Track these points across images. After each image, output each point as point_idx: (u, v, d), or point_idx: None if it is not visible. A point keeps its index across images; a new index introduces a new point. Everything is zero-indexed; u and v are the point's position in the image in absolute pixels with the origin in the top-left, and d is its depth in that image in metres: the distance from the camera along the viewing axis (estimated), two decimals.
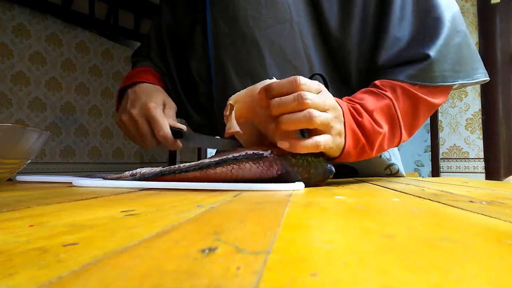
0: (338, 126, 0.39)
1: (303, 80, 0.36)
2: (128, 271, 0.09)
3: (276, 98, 0.36)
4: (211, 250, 0.11)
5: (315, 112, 0.35)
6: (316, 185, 0.38)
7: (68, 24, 2.58)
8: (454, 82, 0.49)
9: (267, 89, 0.36)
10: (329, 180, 0.48)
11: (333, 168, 0.38)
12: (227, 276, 0.08)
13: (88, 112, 2.76)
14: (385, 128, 0.45)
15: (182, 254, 0.10)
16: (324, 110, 0.37)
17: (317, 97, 0.36)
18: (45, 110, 2.49)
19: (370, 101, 0.45)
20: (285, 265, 0.09)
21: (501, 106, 1.76)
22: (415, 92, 0.47)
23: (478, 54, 0.53)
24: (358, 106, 0.43)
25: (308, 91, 0.36)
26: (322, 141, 0.36)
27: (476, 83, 0.52)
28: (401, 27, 0.50)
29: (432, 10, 0.50)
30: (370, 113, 0.43)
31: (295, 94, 0.35)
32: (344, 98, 0.45)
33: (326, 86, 0.58)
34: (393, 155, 0.64)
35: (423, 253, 0.11)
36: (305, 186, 0.35)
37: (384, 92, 0.46)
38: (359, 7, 0.53)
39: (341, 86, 0.57)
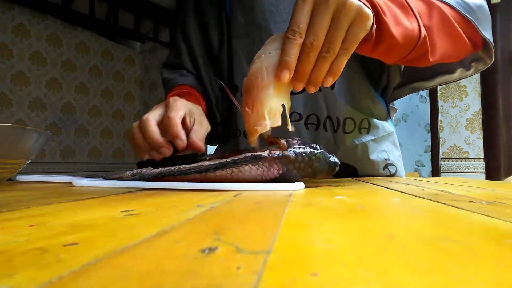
0: (356, 5, 0.34)
1: (293, 27, 0.34)
2: (128, 271, 0.09)
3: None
4: (211, 250, 0.11)
5: (326, 53, 0.34)
6: (322, 179, 0.37)
7: (68, 24, 2.58)
8: (478, 27, 0.47)
9: (282, 66, 0.35)
10: (329, 180, 0.48)
11: (337, 159, 0.37)
12: (227, 276, 0.08)
13: (88, 112, 2.76)
14: (392, 5, 0.41)
15: (182, 254, 0.10)
16: (329, 25, 0.34)
17: (317, 29, 0.34)
18: (45, 110, 2.49)
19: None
20: (285, 265, 0.09)
21: (501, 106, 1.76)
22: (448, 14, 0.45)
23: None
24: None
25: (310, 38, 0.34)
26: (348, 46, 0.34)
27: (474, 70, 0.53)
28: None
29: None
30: None
31: (304, 49, 0.34)
32: None
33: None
34: (393, 156, 0.64)
35: (423, 253, 0.11)
36: (313, 178, 0.35)
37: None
38: None
39: (352, 75, 0.58)
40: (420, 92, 2.19)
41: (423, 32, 0.42)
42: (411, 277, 0.08)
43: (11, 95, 2.31)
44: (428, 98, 2.13)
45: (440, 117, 1.96)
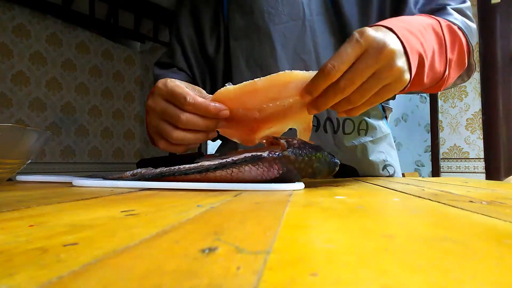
0: (399, 70, 0.35)
1: (332, 64, 0.33)
2: (128, 271, 0.09)
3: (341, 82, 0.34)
4: (211, 250, 0.11)
5: (355, 98, 0.35)
6: (322, 179, 0.37)
7: (68, 24, 2.59)
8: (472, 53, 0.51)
9: (308, 90, 0.36)
10: (329, 180, 0.48)
11: (337, 160, 0.37)
12: (227, 276, 0.08)
13: (88, 112, 2.76)
14: (434, 42, 0.43)
15: (182, 254, 0.10)
16: (368, 76, 0.34)
17: (355, 74, 0.34)
18: (45, 110, 2.49)
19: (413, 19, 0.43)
20: (285, 265, 0.09)
21: (501, 106, 1.76)
22: (456, 30, 0.47)
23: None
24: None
25: (347, 79, 0.34)
26: (378, 100, 0.37)
27: (460, 82, 0.57)
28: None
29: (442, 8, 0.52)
30: (420, 32, 0.40)
31: (338, 87, 0.34)
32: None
33: None
34: (390, 157, 0.65)
35: (423, 253, 0.11)
36: (313, 178, 0.36)
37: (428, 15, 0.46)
38: (376, 5, 0.56)
39: None
40: None
41: (447, 73, 0.45)
42: (411, 277, 0.08)
43: (11, 95, 2.31)
44: (428, 98, 2.13)
45: (440, 117, 1.96)
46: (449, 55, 0.46)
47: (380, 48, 0.34)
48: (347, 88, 0.34)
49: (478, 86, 1.84)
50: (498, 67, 1.76)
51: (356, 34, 0.34)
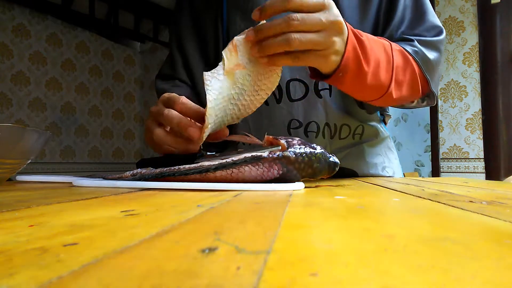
0: (334, 45, 0.40)
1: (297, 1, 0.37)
2: (128, 271, 0.09)
3: (264, 23, 0.38)
4: (211, 250, 0.11)
5: (294, 37, 0.36)
6: (322, 179, 0.38)
7: (68, 24, 2.58)
8: (430, 83, 0.55)
9: (257, 29, 0.38)
10: (329, 180, 0.48)
11: (337, 160, 0.37)
12: (227, 276, 0.08)
13: (88, 112, 2.76)
14: (381, 56, 0.47)
15: (182, 254, 0.10)
16: (317, 30, 0.38)
17: (308, 16, 0.37)
18: (45, 110, 2.49)
19: (369, 36, 0.47)
20: (285, 265, 0.09)
21: (501, 106, 1.76)
22: (408, 56, 0.51)
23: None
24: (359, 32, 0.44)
25: (299, 16, 0.37)
26: (305, 56, 0.39)
27: (422, 105, 0.61)
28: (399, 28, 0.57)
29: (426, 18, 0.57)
30: (369, 41, 0.45)
31: (285, 16, 0.37)
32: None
33: (330, 86, 0.59)
34: (388, 160, 0.65)
35: (423, 253, 0.11)
36: (313, 178, 0.36)
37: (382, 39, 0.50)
38: (374, 9, 0.58)
39: None
40: None
41: (391, 88, 0.49)
42: (411, 277, 0.08)
43: (11, 95, 2.31)
44: None
45: (440, 117, 1.96)
46: (399, 76, 0.49)
47: (336, 16, 0.38)
48: (297, 25, 0.37)
49: (478, 86, 1.84)
50: (498, 67, 1.76)
51: None
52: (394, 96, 0.50)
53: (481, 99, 1.83)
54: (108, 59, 2.90)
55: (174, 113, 0.41)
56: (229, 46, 0.39)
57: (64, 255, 0.10)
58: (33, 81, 2.41)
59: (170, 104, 0.42)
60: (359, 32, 0.44)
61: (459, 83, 1.91)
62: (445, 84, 1.95)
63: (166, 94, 0.44)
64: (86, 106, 2.75)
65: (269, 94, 0.43)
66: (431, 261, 0.10)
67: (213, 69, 0.39)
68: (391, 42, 0.50)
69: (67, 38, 2.61)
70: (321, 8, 0.38)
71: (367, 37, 0.45)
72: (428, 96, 0.60)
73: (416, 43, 0.54)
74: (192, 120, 0.40)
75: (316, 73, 0.46)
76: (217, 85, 0.38)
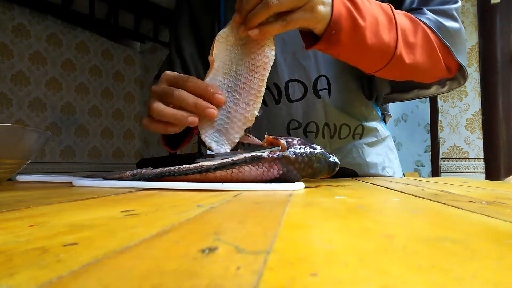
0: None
1: None
2: (128, 271, 0.09)
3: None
4: (211, 250, 0.11)
5: None
6: (322, 179, 0.38)
7: (68, 24, 2.58)
8: (454, 53, 0.50)
9: (238, 9, 0.39)
10: (329, 180, 0.48)
11: (338, 160, 0.37)
12: (227, 276, 0.08)
13: (88, 112, 2.76)
14: (379, 13, 0.43)
15: (182, 254, 0.10)
16: None
17: None
18: (45, 110, 2.49)
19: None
20: (285, 265, 0.09)
21: (501, 106, 1.76)
22: (417, 20, 0.47)
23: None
24: None
25: None
26: (291, 17, 0.38)
27: (447, 89, 0.58)
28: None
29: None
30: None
31: None
32: None
33: (329, 86, 0.59)
34: (388, 159, 0.65)
35: (423, 253, 0.11)
36: (313, 178, 0.36)
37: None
38: None
39: (347, 83, 0.59)
40: None
41: (400, 49, 0.44)
42: (411, 277, 0.08)
43: (11, 95, 2.31)
44: (428, 98, 2.13)
45: (440, 117, 1.96)
46: (409, 37, 0.45)
47: None
48: None
49: (478, 86, 1.84)
50: (498, 67, 1.76)
51: None
52: (407, 61, 0.45)
53: (481, 99, 1.83)
54: (108, 59, 2.90)
55: (186, 93, 0.39)
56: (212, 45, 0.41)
57: (64, 255, 0.10)
58: (33, 81, 2.41)
59: (179, 83, 0.41)
60: None
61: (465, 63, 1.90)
62: None
63: (170, 72, 0.43)
64: (86, 106, 2.75)
65: (268, 70, 0.41)
66: (431, 261, 0.10)
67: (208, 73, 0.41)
68: (390, 5, 0.46)
69: (67, 38, 2.61)
70: None
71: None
72: (451, 79, 0.56)
73: (425, 10, 0.50)
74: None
75: (309, 41, 0.44)
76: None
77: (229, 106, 0.42)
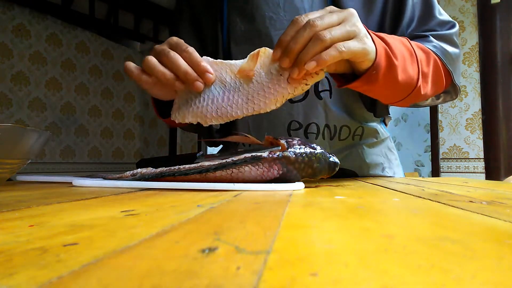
0: (362, 29, 0.38)
1: (303, 15, 0.37)
2: (128, 271, 0.09)
3: (284, 38, 0.37)
4: (211, 250, 0.11)
5: (324, 33, 0.35)
6: (322, 179, 0.37)
7: (68, 24, 2.58)
8: (453, 76, 0.54)
9: (284, 49, 0.37)
10: (329, 180, 0.48)
11: (337, 160, 0.37)
12: (227, 276, 0.08)
13: (88, 112, 2.76)
14: (404, 49, 0.45)
15: (182, 254, 0.10)
16: (338, 24, 0.37)
17: (323, 16, 0.36)
18: (45, 110, 2.49)
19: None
20: (285, 265, 0.09)
21: (501, 106, 1.76)
22: (427, 49, 0.50)
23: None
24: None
25: (314, 17, 0.36)
26: (348, 45, 0.36)
27: (441, 101, 0.60)
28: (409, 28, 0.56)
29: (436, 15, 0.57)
30: (386, 36, 0.44)
31: (303, 26, 0.36)
32: None
33: (330, 88, 0.59)
34: (388, 161, 0.65)
35: (423, 253, 0.11)
36: (313, 178, 0.36)
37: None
38: (378, 11, 0.57)
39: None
40: None
41: (420, 82, 0.46)
42: (411, 277, 0.08)
43: (11, 95, 2.31)
44: None
45: (440, 117, 1.96)
46: (424, 68, 0.48)
47: (344, 9, 0.38)
48: (321, 25, 0.36)
49: (478, 86, 1.84)
50: (498, 67, 1.76)
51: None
52: (422, 92, 0.48)
53: (481, 99, 1.83)
54: (108, 59, 2.90)
55: (182, 60, 0.39)
56: (254, 52, 0.39)
57: (64, 255, 0.10)
58: (33, 81, 2.41)
59: (178, 48, 0.40)
60: (376, 34, 0.43)
61: (459, 83, 1.91)
62: None
63: (175, 38, 0.42)
64: (86, 106, 2.75)
65: (261, 110, 0.40)
66: (431, 261, 0.10)
67: (228, 61, 0.40)
68: (405, 37, 0.49)
69: (67, 38, 2.61)
70: (329, 11, 0.38)
71: (382, 33, 0.44)
72: (445, 92, 0.59)
73: (431, 38, 0.53)
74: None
75: (341, 80, 0.44)
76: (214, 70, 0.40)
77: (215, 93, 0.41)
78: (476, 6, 1.83)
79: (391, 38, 0.44)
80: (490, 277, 0.08)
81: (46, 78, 2.49)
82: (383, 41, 0.42)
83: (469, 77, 1.87)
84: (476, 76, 1.85)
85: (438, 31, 0.56)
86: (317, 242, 0.12)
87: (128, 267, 0.09)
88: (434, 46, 0.52)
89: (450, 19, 0.58)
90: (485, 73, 1.81)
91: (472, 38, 1.86)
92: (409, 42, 0.47)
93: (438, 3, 0.59)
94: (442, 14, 0.58)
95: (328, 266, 0.09)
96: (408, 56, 0.45)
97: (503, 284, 0.08)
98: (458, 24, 1.89)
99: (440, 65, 0.52)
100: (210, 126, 0.65)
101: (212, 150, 2.24)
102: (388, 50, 0.41)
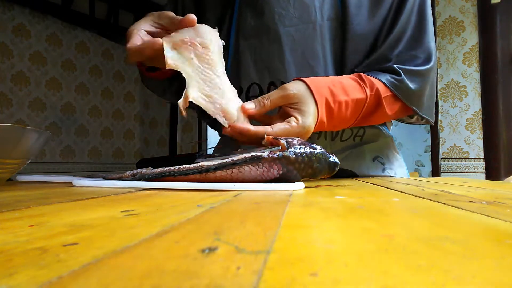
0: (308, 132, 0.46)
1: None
2: (128, 271, 0.09)
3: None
4: (211, 250, 0.11)
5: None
6: (322, 179, 0.38)
7: (68, 24, 2.58)
8: (417, 111, 0.57)
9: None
10: (329, 180, 0.48)
11: (337, 160, 0.37)
12: (227, 276, 0.08)
13: (88, 112, 2.76)
14: (349, 103, 0.50)
15: (182, 254, 0.10)
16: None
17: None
18: (45, 110, 2.49)
19: (352, 90, 0.50)
20: (285, 265, 0.09)
21: (501, 106, 1.76)
22: (383, 99, 0.53)
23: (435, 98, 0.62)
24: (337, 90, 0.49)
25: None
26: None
27: (422, 122, 0.61)
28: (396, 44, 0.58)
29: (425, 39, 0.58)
30: (346, 101, 0.49)
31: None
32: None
33: None
34: (389, 161, 0.65)
35: (423, 253, 0.11)
36: (313, 178, 0.36)
37: (365, 88, 0.52)
38: (382, 14, 0.58)
39: None
40: None
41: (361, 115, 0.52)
42: (411, 277, 0.08)
43: (11, 95, 2.31)
44: None
45: (440, 117, 1.96)
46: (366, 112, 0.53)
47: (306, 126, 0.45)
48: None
49: (478, 86, 1.84)
50: (498, 67, 1.76)
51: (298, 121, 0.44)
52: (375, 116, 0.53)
53: (481, 99, 1.83)
54: (108, 59, 2.90)
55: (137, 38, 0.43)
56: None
57: (64, 255, 0.10)
58: (33, 81, 2.41)
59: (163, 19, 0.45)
60: (333, 94, 0.48)
61: (459, 83, 1.91)
62: (445, 84, 1.95)
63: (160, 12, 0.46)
64: (86, 106, 2.75)
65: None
66: (431, 261, 0.10)
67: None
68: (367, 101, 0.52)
69: (67, 38, 2.61)
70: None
71: (338, 105, 0.49)
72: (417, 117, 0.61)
73: (403, 76, 0.54)
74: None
75: None
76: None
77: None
78: (476, 6, 1.83)
79: (344, 108, 0.49)
80: (490, 277, 0.08)
81: (46, 78, 2.49)
82: (329, 116, 0.48)
83: (469, 77, 1.88)
84: (476, 76, 1.85)
85: (419, 59, 0.56)
86: (317, 242, 0.12)
87: (128, 267, 0.09)
88: (398, 87, 0.54)
89: (433, 49, 0.58)
90: (485, 73, 1.81)
91: (472, 38, 1.86)
92: (363, 107, 0.52)
93: (438, 3, 0.59)
94: (431, 39, 0.58)
95: (328, 266, 0.09)
96: (352, 100, 0.50)
97: (503, 284, 0.08)
98: (458, 24, 1.89)
99: (399, 106, 0.55)
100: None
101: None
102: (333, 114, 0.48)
